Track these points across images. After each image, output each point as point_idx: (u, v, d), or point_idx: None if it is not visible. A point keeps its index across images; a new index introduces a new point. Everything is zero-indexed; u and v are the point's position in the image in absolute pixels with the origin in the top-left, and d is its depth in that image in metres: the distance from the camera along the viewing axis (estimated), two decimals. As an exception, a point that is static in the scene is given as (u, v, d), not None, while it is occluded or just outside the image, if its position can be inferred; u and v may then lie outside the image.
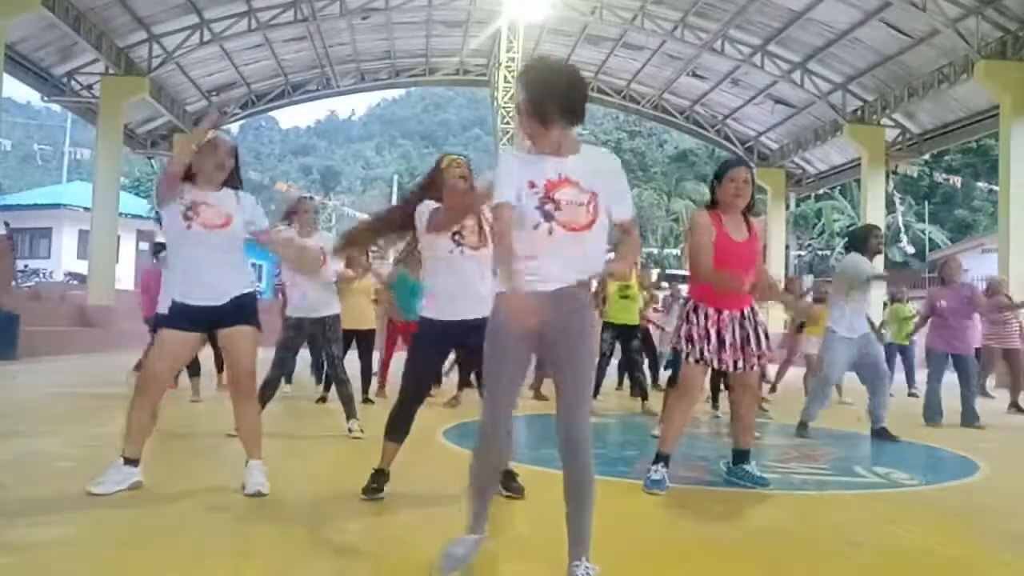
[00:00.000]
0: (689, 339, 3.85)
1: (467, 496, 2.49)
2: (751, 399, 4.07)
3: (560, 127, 2.34)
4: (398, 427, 3.44)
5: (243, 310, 3.46)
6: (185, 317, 3.41)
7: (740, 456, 4.04)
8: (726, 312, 3.83)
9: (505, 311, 2.21)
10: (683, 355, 3.89)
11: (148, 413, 3.41)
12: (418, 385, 3.48)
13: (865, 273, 5.94)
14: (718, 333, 3.80)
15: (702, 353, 3.81)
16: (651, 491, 3.73)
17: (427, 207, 3.37)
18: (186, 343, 3.47)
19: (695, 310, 3.88)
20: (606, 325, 7.47)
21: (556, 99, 2.30)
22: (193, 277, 3.40)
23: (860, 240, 6.17)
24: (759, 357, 3.86)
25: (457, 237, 3.38)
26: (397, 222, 3.56)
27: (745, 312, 3.87)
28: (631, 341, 7.46)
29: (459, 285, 3.36)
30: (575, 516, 2.30)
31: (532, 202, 2.29)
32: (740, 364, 3.83)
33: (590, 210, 2.32)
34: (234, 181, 3.54)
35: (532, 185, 2.30)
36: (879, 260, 6.75)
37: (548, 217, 2.28)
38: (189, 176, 3.45)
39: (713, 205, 3.98)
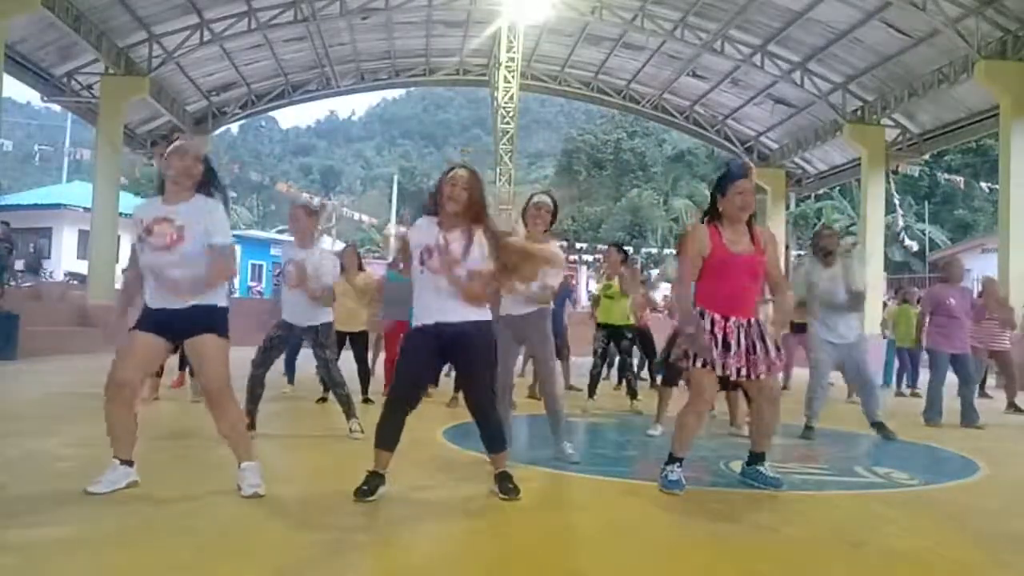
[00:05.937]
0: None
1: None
2: (773, 405, 3.97)
3: None
4: (386, 435, 3.42)
5: (208, 319, 3.39)
6: (151, 320, 3.39)
7: (756, 458, 4.03)
8: (732, 319, 3.79)
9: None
10: (689, 360, 3.84)
11: (126, 416, 3.36)
12: (402, 391, 3.48)
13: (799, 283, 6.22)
14: (724, 339, 3.77)
15: (706, 358, 3.76)
16: (669, 491, 3.74)
17: (419, 224, 3.57)
18: (152, 346, 3.41)
19: (701, 316, 3.82)
20: (598, 326, 7.67)
21: None
22: (154, 285, 3.38)
23: (812, 243, 6.49)
24: (768, 365, 3.80)
25: (424, 256, 3.47)
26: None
27: (751, 321, 3.83)
28: (620, 341, 7.64)
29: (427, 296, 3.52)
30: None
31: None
32: (744, 372, 3.78)
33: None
34: (208, 188, 3.45)
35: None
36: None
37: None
38: (160, 185, 3.45)
39: (712, 216, 3.90)
